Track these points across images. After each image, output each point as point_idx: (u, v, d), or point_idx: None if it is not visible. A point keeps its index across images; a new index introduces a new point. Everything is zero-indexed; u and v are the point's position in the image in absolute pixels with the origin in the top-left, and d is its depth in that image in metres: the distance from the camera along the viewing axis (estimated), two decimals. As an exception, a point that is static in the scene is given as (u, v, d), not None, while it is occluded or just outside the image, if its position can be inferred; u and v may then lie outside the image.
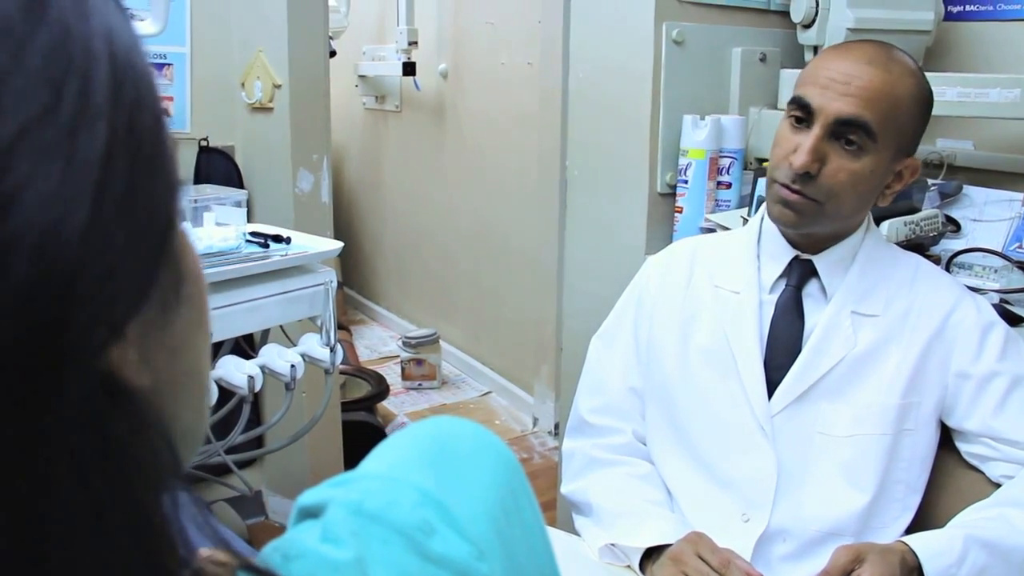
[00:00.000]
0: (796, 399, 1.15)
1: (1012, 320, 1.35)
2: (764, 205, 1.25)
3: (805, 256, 1.18)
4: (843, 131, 1.08)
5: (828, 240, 1.17)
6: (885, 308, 1.16)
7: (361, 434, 2.65)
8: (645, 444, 1.28)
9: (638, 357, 1.28)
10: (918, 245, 1.52)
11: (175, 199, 0.32)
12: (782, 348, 1.17)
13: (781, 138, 1.14)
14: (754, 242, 1.23)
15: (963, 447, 1.16)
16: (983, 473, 1.15)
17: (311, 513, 0.39)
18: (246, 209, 1.80)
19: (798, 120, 1.12)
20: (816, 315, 1.17)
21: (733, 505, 1.16)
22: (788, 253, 1.19)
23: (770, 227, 1.21)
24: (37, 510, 0.26)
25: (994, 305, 1.29)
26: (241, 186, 2.24)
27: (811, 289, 1.19)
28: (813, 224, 1.13)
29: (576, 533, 1.26)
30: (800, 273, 1.18)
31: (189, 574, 0.32)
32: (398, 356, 3.59)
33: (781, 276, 1.20)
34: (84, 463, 0.28)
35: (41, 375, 0.26)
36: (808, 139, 1.08)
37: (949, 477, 1.18)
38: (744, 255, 1.22)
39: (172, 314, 0.34)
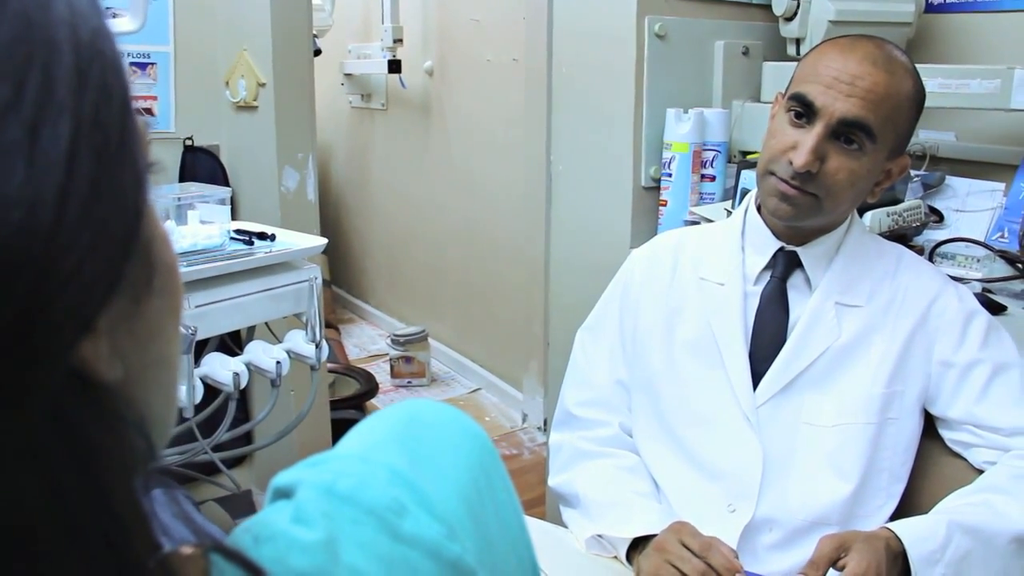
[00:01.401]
0: (781, 390, 1.15)
1: (994, 309, 1.36)
2: (748, 197, 1.26)
3: (790, 247, 1.19)
4: (844, 131, 1.08)
5: (815, 232, 1.18)
6: (868, 298, 1.16)
7: (350, 432, 2.65)
8: (631, 436, 1.28)
9: (624, 349, 1.29)
10: (901, 235, 1.53)
11: (143, 190, 0.31)
12: (767, 339, 1.18)
13: (778, 131, 1.13)
14: (738, 234, 1.23)
15: (946, 434, 1.17)
16: (966, 460, 1.15)
17: (284, 494, 0.39)
18: (230, 206, 1.79)
19: (797, 115, 1.11)
20: (800, 306, 1.18)
21: (719, 496, 1.16)
22: (773, 245, 1.19)
23: (754, 219, 1.22)
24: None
25: (977, 294, 1.29)
26: (227, 185, 2.24)
27: (796, 280, 1.19)
28: (809, 218, 1.14)
29: (564, 525, 1.26)
30: (785, 264, 1.19)
31: (157, 562, 0.31)
32: (387, 354, 3.58)
33: (766, 268, 1.20)
34: (51, 457, 0.27)
35: (9, 374, 0.26)
36: (810, 138, 1.08)
37: (933, 464, 1.19)
38: (728, 247, 1.23)
39: (144, 304, 0.33)
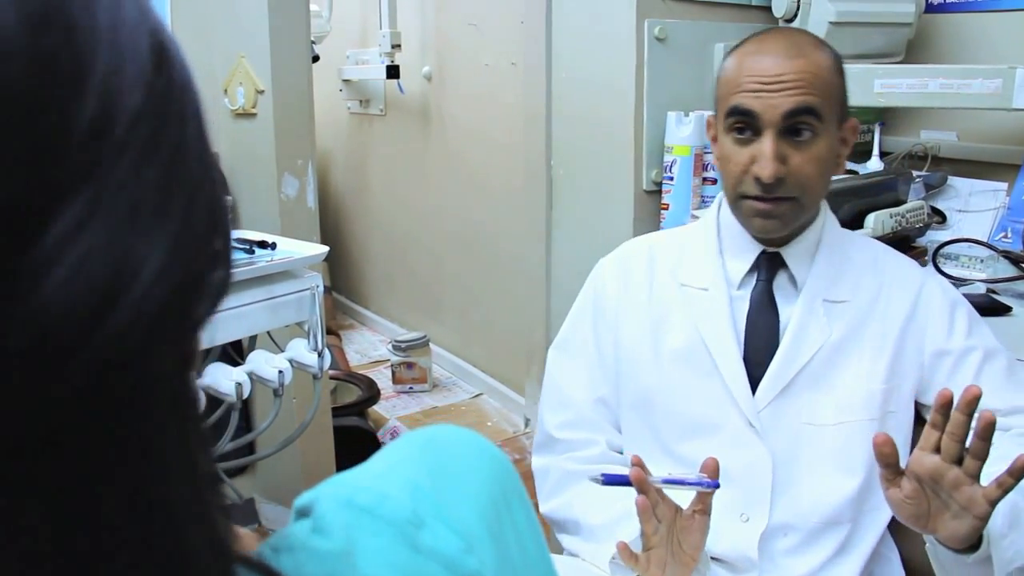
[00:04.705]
0: (780, 392, 1.14)
1: (999, 310, 1.36)
2: (717, 198, 1.24)
3: (772, 250, 1.18)
4: (793, 123, 1.08)
5: (795, 231, 1.17)
6: (853, 293, 1.16)
7: (353, 439, 2.64)
8: (621, 453, 1.25)
9: (603, 365, 1.25)
10: (904, 237, 1.53)
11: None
12: (760, 343, 1.17)
13: (730, 153, 1.13)
14: (714, 237, 1.22)
15: None
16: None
17: (305, 512, 0.40)
18: (230, 216, 1.78)
19: (740, 131, 1.11)
20: (789, 307, 1.17)
21: (731, 506, 1.13)
22: (754, 248, 1.18)
23: (729, 221, 1.20)
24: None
25: (981, 295, 1.29)
26: (226, 193, 2.23)
27: (780, 281, 1.18)
28: (794, 222, 1.14)
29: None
30: (769, 267, 1.18)
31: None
32: (388, 360, 3.57)
33: (749, 271, 1.19)
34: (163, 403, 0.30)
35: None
36: (766, 145, 1.08)
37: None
38: (706, 251, 1.21)
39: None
